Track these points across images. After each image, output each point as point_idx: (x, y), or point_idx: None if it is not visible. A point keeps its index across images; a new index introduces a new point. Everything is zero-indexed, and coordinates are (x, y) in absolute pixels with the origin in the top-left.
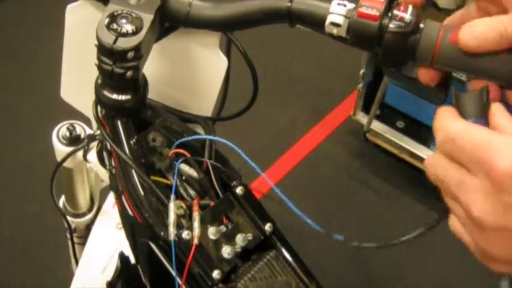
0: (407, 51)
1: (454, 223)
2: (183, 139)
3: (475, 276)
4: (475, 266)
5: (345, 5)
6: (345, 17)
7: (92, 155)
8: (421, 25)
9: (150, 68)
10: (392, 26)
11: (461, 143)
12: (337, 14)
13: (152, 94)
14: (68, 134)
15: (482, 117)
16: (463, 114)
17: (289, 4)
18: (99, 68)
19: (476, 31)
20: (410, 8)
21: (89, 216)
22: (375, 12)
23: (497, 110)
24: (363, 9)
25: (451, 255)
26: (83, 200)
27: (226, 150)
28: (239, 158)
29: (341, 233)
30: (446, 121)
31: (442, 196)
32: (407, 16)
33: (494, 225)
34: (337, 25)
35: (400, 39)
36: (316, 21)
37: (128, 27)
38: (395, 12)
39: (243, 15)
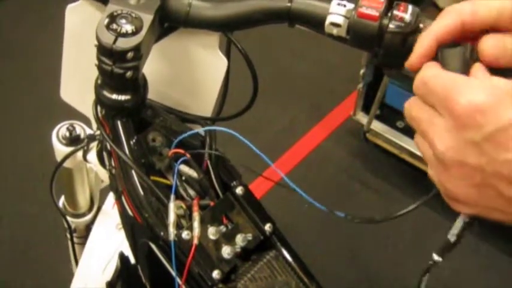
0: (407, 51)
1: (429, 169)
2: (183, 135)
3: (475, 276)
4: (474, 266)
5: (344, 5)
6: (345, 17)
7: (92, 155)
8: (421, 25)
9: (150, 68)
10: (392, 26)
11: (432, 86)
12: (337, 14)
13: (152, 94)
14: (67, 134)
15: (465, 73)
16: (445, 68)
17: (289, 4)
18: (99, 68)
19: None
20: (410, 8)
21: (89, 217)
22: (374, 13)
23: (479, 67)
24: (363, 10)
25: (451, 256)
26: (83, 200)
27: (226, 151)
28: (238, 158)
29: (341, 232)
30: (424, 69)
31: (415, 139)
32: (407, 16)
33: (454, 160)
34: (337, 25)
35: (400, 39)
36: (316, 22)
37: (128, 28)
38: (395, 12)
39: (243, 16)
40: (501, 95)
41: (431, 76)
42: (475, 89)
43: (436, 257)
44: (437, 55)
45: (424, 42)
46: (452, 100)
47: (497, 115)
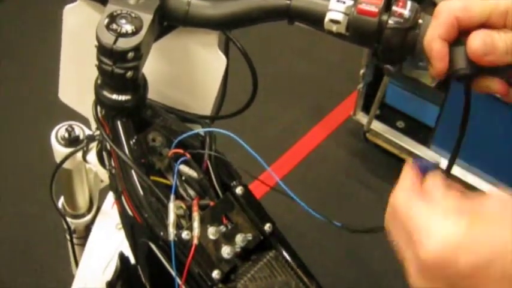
0: (406, 47)
1: None
2: (183, 136)
3: None
4: None
5: (344, 2)
6: (344, 13)
7: (91, 156)
8: (420, 21)
9: (149, 68)
10: (391, 22)
11: (398, 215)
12: (336, 11)
13: (152, 94)
14: (66, 135)
15: (471, 67)
16: (455, 66)
17: (288, 1)
18: (99, 68)
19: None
20: (409, 3)
21: (89, 217)
22: (374, 9)
23: (433, 184)
24: (362, 6)
25: None
26: (82, 200)
27: (226, 151)
28: (238, 159)
29: (341, 232)
30: (397, 190)
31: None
32: (407, 12)
33: None
34: (336, 22)
35: (400, 35)
36: (315, 19)
37: (128, 28)
38: (394, 8)
39: (242, 13)
40: (459, 240)
41: (398, 206)
42: (435, 235)
43: None
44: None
45: (435, 47)
46: (416, 245)
47: (458, 263)
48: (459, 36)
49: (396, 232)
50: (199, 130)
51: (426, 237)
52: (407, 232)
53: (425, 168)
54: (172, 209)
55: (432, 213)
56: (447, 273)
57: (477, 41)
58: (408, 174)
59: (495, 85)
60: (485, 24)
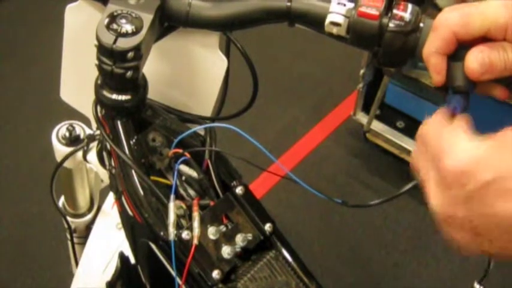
0: (407, 50)
1: None
2: (183, 134)
3: (474, 276)
4: (473, 266)
5: (344, 5)
6: (345, 16)
7: (92, 155)
8: (421, 24)
9: (149, 68)
10: (392, 25)
11: (425, 141)
12: (337, 13)
13: (152, 94)
14: (67, 134)
15: (469, 83)
16: (453, 81)
17: (288, 4)
18: (99, 68)
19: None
20: (410, 6)
21: (89, 217)
22: (374, 12)
23: (460, 124)
24: (363, 9)
25: (450, 256)
26: (83, 200)
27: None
28: (238, 159)
29: (340, 231)
30: (426, 122)
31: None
32: (407, 15)
33: (445, 214)
34: (337, 24)
35: (400, 39)
36: (315, 21)
37: (128, 27)
38: (395, 11)
39: (243, 15)
40: (479, 157)
41: (427, 132)
42: (457, 152)
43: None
44: (447, 70)
45: (432, 62)
46: (440, 162)
47: (476, 176)
48: (459, 48)
49: (422, 158)
50: (201, 126)
51: (449, 153)
52: (433, 153)
53: (454, 109)
54: (173, 209)
55: (458, 137)
56: (465, 184)
57: (474, 62)
58: (439, 112)
59: (496, 91)
60: (485, 37)
